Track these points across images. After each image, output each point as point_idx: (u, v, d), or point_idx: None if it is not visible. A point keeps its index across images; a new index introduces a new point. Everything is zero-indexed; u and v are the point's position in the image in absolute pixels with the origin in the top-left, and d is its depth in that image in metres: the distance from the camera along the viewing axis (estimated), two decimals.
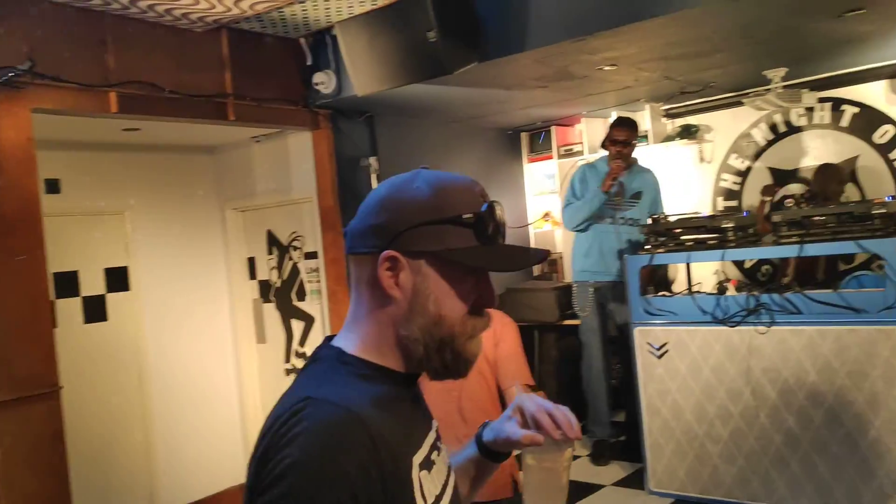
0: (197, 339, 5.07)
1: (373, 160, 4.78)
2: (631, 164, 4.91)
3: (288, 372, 5.09)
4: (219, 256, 5.26)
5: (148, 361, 4.76)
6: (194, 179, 5.14)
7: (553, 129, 6.15)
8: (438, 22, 3.49)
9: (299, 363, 5.02)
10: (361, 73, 3.86)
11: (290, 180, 4.88)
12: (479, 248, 0.99)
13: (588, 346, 4.92)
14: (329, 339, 1.07)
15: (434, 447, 1.07)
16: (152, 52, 3.65)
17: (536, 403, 1.16)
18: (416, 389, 1.11)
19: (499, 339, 2.73)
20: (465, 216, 0.99)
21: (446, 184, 1.02)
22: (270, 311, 5.18)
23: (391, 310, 1.00)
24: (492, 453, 1.24)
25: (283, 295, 5.10)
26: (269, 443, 0.90)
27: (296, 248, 4.99)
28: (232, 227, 5.25)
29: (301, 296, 4.99)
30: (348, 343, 1.03)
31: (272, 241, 5.13)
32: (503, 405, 2.71)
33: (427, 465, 1.02)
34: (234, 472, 5.21)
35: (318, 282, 4.82)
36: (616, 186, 4.78)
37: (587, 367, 4.94)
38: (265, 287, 5.20)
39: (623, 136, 4.78)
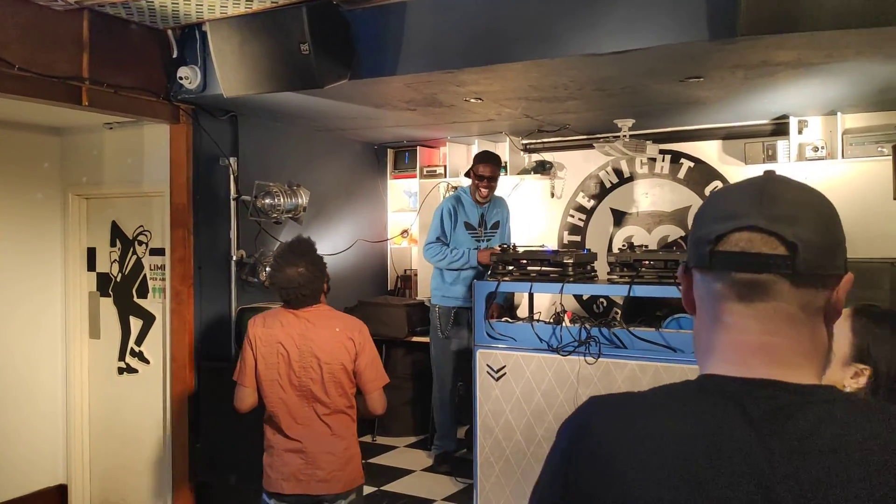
0: (23, 329, 4.76)
1: (233, 161, 4.70)
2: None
3: (121, 370, 4.88)
4: (55, 244, 4.97)
5: None
6: (35, 160, 4.84)
7: (418, 148, 6.29)
8: (312, 35, 3.51)
9: (134, 362, 4.83)
10: (229, 74, 3.81)
11: (141, 172, 4.70)
12: None
13: (441, 366, 5.11)
14: (769, 381, 0.87)
15: None
16: (2, 26, 3.43)
17: None
18: None
19: (359, 350, 2.93)
20: None
21: None
22: (108, 305, 4.95)
23: (827, 334, 0.92)
24: None
25: (122, 290, 4.89)
26: None
27: (141, 243, 4.81)
28: (73, 214, 4.98)
29: (142, 293, 4.81)
30: (817, 378, 0.91)
31: (116, 232, 4.91)
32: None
33: None
34: (52, 471, 4.93)
35: (163, 280, 4.67)
36: (479, 218, 5.09)
37: (440, 385, 5.12)
38: (104, 280, 4.96)
39: (488, 171, 5.00)
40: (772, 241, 0.86)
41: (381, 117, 4.98)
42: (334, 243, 5.68)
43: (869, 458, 0.79)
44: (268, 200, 4.69)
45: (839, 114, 4.83)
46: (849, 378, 1.58)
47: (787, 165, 4.96)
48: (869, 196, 4.76)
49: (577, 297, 5.83)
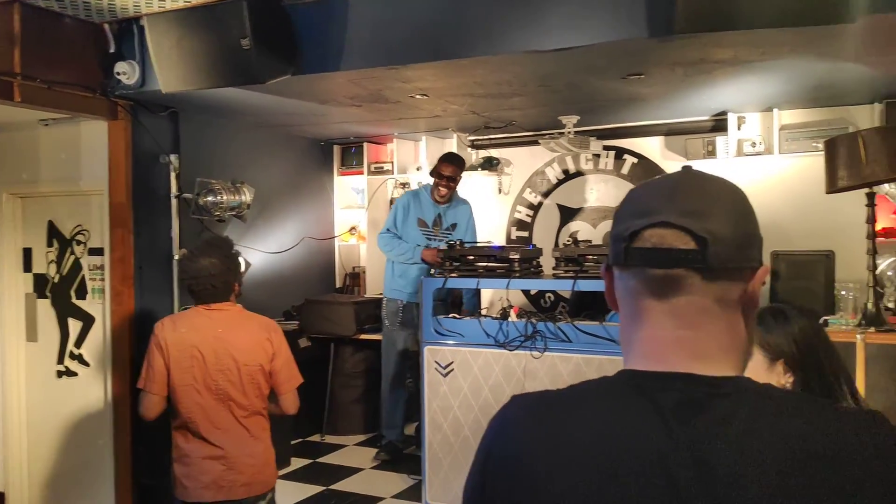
0: None
1: (173, 158, 4.61)
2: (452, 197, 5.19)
3: (60, 374, 4.74)
4: None
5: None
6: None
7: (365, 145, 6.26)
8: (253, 30, 3.46)
9: (73, 365, 4.70)
10: (168, 70, 3.72)
11: (79, 170, 4.57)
12: None
13: (388, 357, 5.15)
14: (687, 376, 0.87)
15: None
16: None
17: None
18: None
19: (276, 350, 2.95)
20: None
21: None
22: (45, 307, 4.80)
23: (746, 327, 0.92)
24: None
25: (60, 291, 4.74)
26: None
27: (79, 243, 4.67)
28: (8, 214, 4.82)
29: (81, 294, 4.68)
30: (737, 371, 0.90)
31: (53, 232, 4.77)
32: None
33: None
34: None
35: (103, 280, 4.55)
36: (434, 217, 5.10)
37: (386, 377, 5.17)
38: (41, 281, 4.81)
39: (449, 171, 5.04)
40: (682, 235, 0.86)
41: (327, 113, 4.94)
42: (280, 241, 5.62)
43: (776, 448, 0.80)
44: (210, 198, 4.61)
45: (776, 110, 4.96)
46: (781, 378, 1.64)
47: (727, 161, 5.07)
48: (804, 190, 4.89)
49: (526, 293, 5.88)
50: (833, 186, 3.35)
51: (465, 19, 3.41)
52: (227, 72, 3.63)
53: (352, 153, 6.34)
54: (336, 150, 6.41)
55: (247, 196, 4.73)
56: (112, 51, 4.13)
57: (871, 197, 3.36)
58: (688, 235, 0.85)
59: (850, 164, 3.22)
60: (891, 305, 3.32)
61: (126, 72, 4.07)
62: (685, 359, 0.88)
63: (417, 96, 4.36)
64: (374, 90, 4.20)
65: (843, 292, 3.52)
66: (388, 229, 5.14)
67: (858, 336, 3.13)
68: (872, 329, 3.18)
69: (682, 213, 0.86)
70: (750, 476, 0.79)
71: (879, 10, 2.83)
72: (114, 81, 4.16)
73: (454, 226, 5.19)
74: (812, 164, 4.83)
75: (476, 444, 3.53)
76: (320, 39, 3.71)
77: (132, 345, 4.42)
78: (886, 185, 3.64)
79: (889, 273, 3.47)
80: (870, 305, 3.29)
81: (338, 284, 6.36)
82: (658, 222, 0.87)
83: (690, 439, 0.81)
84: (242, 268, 4.77)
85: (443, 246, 5.00)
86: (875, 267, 3.38)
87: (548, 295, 5.87)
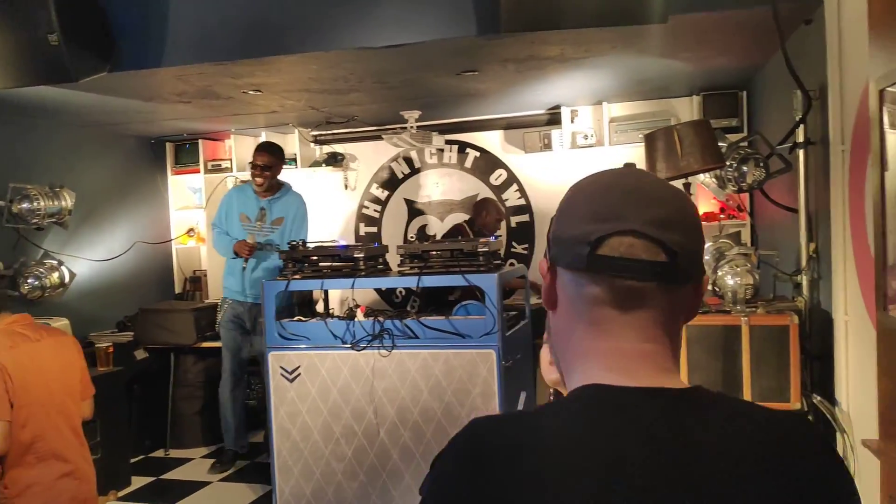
0: None
1: None
2: (274, 188, 4.93)
3: None
4: None
5: None
6: None
7: (201, 142, 5.98)
8: (61, 24, 3.20)
9: None
10: None
11: None
12: None
13: (224, 364, 4.99)
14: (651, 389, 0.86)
15: None
16: None
17: None
18: None
19: (80, 355, 2.92)
20: None
21: None
22: None
23: (679, 334, 0.92)
24: None
25: None
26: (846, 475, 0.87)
27: None
28: None
29: None
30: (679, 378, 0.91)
31: None
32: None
33: None
34: None
35: None
36: (258, 212, 4.85)
37: (223, 383, 5.01)
38: None
39: (262, 160, 4.81)
40: (653, 247, 0.84)
41: (153, 111, 4.66)
42: (109, 247, 5.27)
43: (754, 458, 0.81)
44: (25, 205, 4.25)
45: (605, 103, 5.20)
46: None
47: (562, 153, 5.27)
48: None
49: (377, 290, 5.85)
50: None
51: (293, 15, 3.32)
52: (36, 69, 3.35)
53: (186, 151, 6.04)
54: (169, 147, 6.08)
55: (67, 201, 4.39)
56: None
57: (687, 187, 3.58)
58: (658, 247, 0.84)
59: (667, 157, 3.40)
60: (707, 288, 3.55)
61: None
62: (653, 373, 0.87)
63: (250, 92, 4.21)
64: (203, 86, 4.01)
65: None
66: (214, 225, 4.97)
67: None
68: None
69: (650, 223, 0.84)
70: (733, 490, 0.79)
71: (687, 10, 3.02)
72: None
73: (280, 220, 4.93)
74: (640, 154, 5.07)
75: (326, 447, 3.46)
76: (139, 34, 3.49)
77: None
78: (702, 175, 3.88)
79: (706, 258, 3.72)
80: None
81: (177, 290, 6.06)
82: (627, 230, 0.84)
83: (680, 455, 0.80)
84: (66, 279, 4.48)
85: (269, 241, 4.84)
86: None
87: (399, 290, 5.88)
